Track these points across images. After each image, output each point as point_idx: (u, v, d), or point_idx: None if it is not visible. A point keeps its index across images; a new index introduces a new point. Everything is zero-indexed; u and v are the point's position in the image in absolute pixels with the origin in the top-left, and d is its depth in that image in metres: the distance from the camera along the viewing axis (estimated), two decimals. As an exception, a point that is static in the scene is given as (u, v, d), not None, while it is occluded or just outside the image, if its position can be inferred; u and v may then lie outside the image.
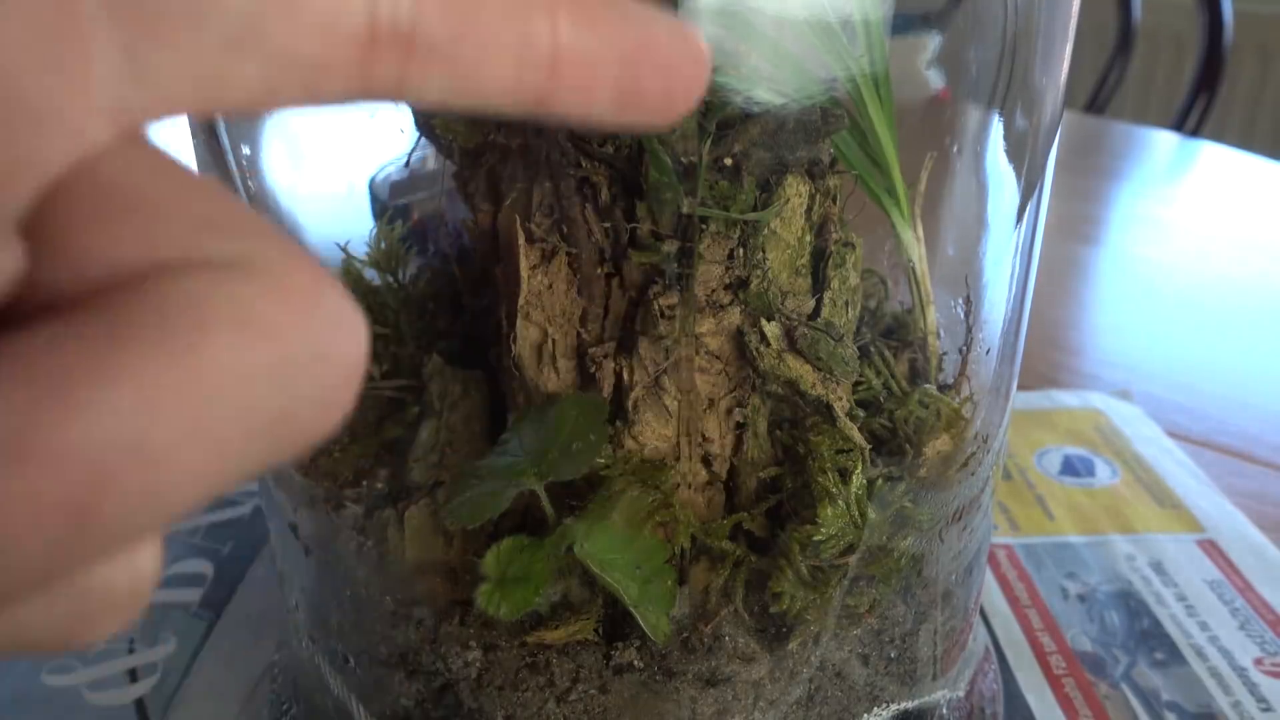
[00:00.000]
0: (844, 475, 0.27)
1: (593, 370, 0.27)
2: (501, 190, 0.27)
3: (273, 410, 0.11)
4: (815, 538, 0.27)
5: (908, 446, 0.29)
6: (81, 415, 0.10)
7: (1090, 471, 0.56)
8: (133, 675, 0.40)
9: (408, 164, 0.33)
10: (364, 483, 0.31)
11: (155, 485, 0.11)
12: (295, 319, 0.11)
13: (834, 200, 0.28)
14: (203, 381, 0.11)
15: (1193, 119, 1.36)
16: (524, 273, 0.27)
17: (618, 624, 0.28)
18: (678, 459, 0.28)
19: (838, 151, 0.28)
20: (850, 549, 0.27)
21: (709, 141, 0.25)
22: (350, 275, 0.33)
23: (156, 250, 0.11)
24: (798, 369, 0.27)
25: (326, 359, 0.12)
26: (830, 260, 0.28)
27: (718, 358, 0.27)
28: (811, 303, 0.28)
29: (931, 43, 0.29)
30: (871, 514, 0.27)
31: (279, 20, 0.12)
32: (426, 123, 0.28)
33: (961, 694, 0.34)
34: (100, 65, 0.11)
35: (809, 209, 0.27)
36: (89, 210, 0.11)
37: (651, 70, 0.14)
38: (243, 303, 0.11)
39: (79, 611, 0.12)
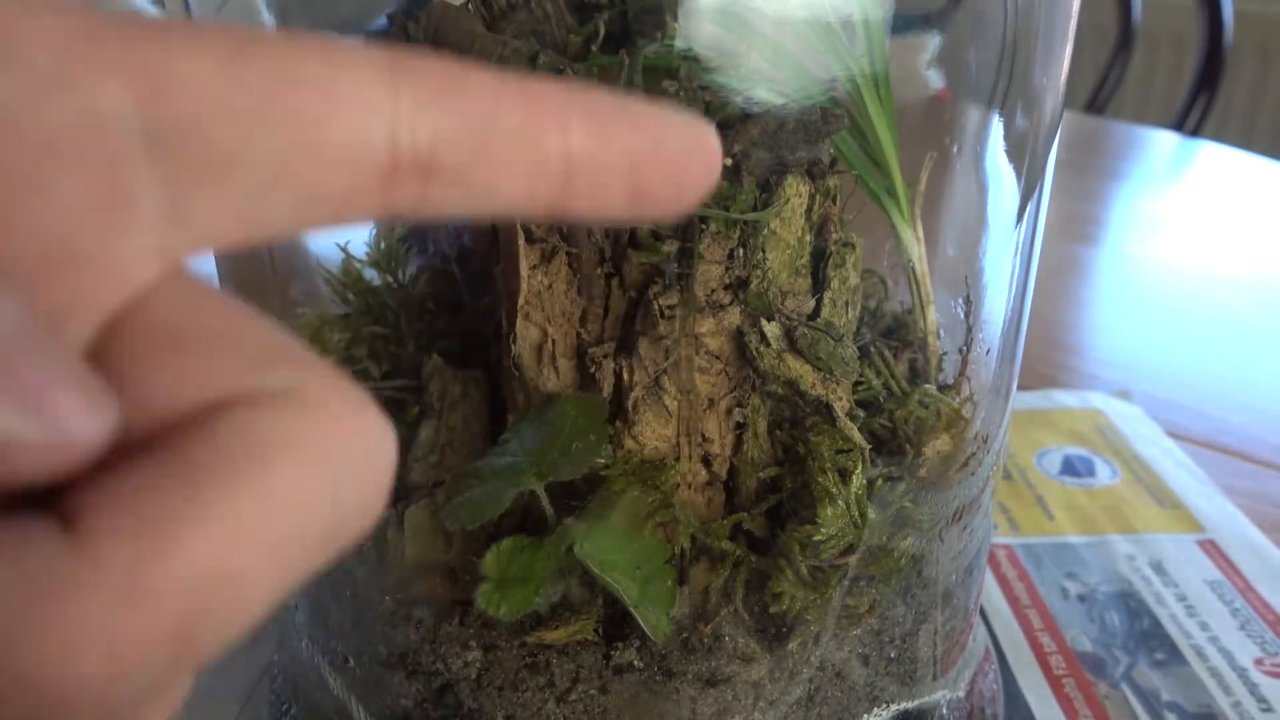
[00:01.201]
0: (844, 475, 0.27)
1: (593, 370, 0.27)
2: (501, 190, 0.27)
3: (327, 523, 0.12)
4: (815, 538, 0.26)
5: (908, 446, 0.29)
6: (181, 554, 0.11)
7: (1090, 472, 0.56)
8: (133, 675, 0.40)
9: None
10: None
11: (240, 607, 0.12)
12: (343, 443, 0.12)
13: (834, 200, 0.28)
14: (274, 509, 0.12)
15: (1193, 119, 1.36)
16: (524, 273, 0.27)
17: (618, 624, 0.28)
18: (678, 459, 0.28)
19: (838, 151, 0.28)
20: (850, 549, 0.27)
21: (709, 141, 0.25)
22: (350, 275, 0.33)
23: (215, 385, 0.12)
24: (798, 369, 0.27)
25: (368, 472, 0.13)
26: (830, 260, 0.28)
27: (718, 358, 0.27)
28: (811, 303, 0.28)
29: (931, 43, 0.29)
30: (871, 514, 0.27)
31: (307, 161, 0.13)
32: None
33: (961, 694, 0.34)
34: (145, 211, 0.12)
35: (809, 209, 0.27)
36: (149, 350, 0.12)
37: (662, 172, 0.15)
38: (298, 434, 0.12)
39: None
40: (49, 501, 0.11)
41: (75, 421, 0.11)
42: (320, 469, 0.12)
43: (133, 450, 0.12)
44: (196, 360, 0.12)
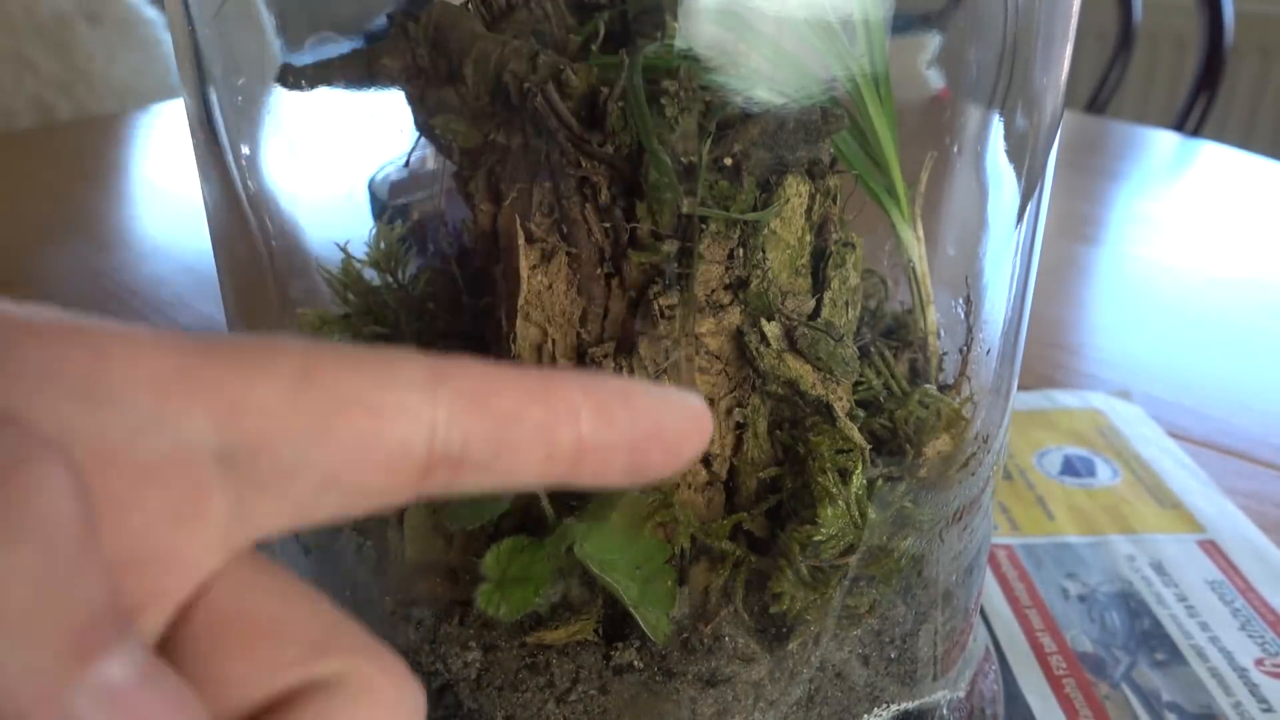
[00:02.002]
0: (844, 475, 0.27)
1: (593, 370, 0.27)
2: (501, 190, 0.27)
3: None
4: (815, 538, 0.26)
5: (908, 447, 0.29)
6: None
7: (1090, 472, 0.56)
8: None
9: (408, 164, 0.33)
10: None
11: None
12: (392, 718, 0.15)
13: (834, 200, 0.28)
14: None
15: (1193, 119, 1.36)
16: (524, 273, 0.27)
17: (618, 624, 0.28)
18: (678, 459, 0.28)
19: (838, 151, 0.28)
20: (850, 549, 0.27)
21: (709, 141, 0.25)
22: (350, 275, 0.33)
23: (282, 676, 0.14)
24: (798, 369, 0.27)
25: None
26: (830, 260, 0.28)
27: (718, 358, 0.27)
28: (811, 303, 0.28)
29: (931, 43, 0.29)
30: (871, 514, 0.27)
31: (356, 471, 0.15)
32: (426, 123, 0.28)
33: (962, 694, 0.34)
34: (216, 516, 0.14)
35: (809, 209, 0.27)
36: (219, 642, 0.14)
37: (659, 449, 0.18)
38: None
39: None
40: None
41: None
42: None
43: None
44: (263, 649, 0.14)
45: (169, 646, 0.14)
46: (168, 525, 0.13)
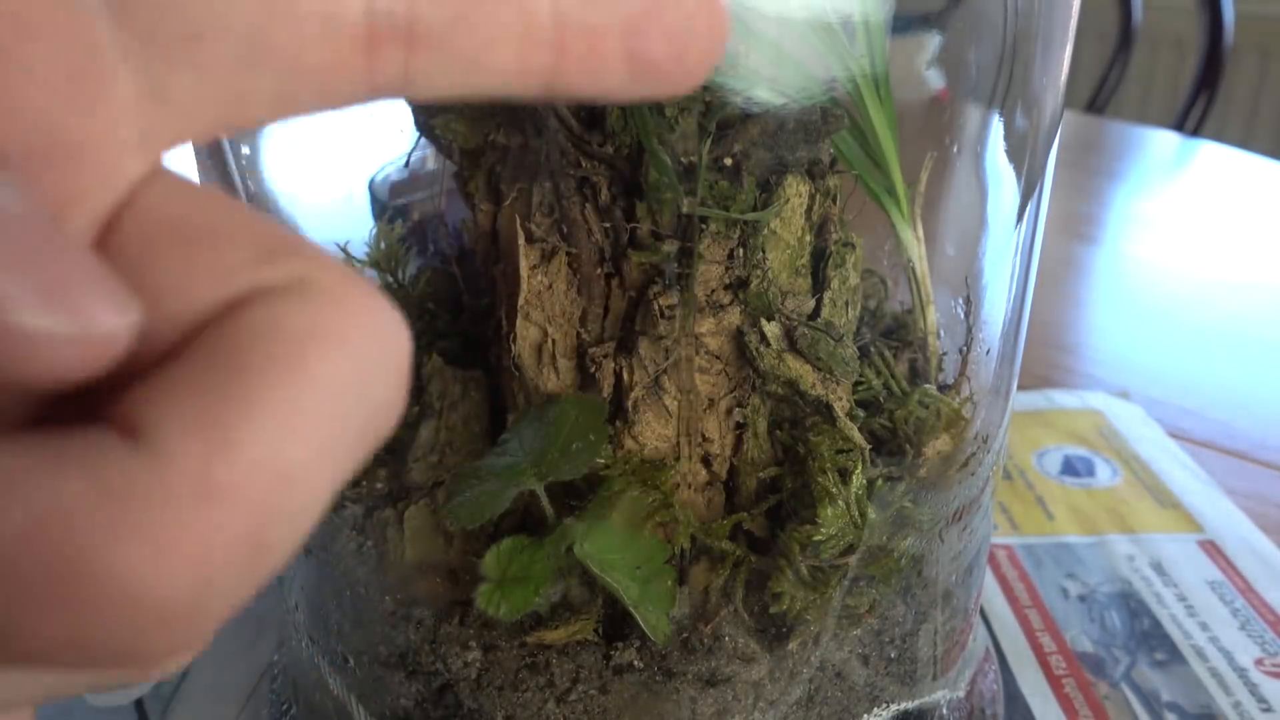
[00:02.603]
0: (844, 475, 0.27)
1: (593, 370, 0.27)
2: (501, 190, 0.27)
3: (361, 415, 0.12)
4: (815, 538, 0.26)
5: (908, 446, 0.29)
6: (247, 448, 0.11)
7: (1090, 472, 0.56)
8: (132, 675, 0.40)
9: (408, 164, 0.33)
10: (364, 483, 0.31)
11: (302, 504, 0.11)
12: (362, 330, 0.12)
13: (834, 200, 0.28)
14: (318, 399, 0.11)
15: (1193, 119, 1.36)
16: (524, 273, 0.27)
17: (618, 624, 0.28)
18: (678, 459, 0.28)
19: (838, 151, 0.28)
20: (850, 549, 0.27)
21: (709, 141, 0.25)
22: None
23: (229, 280, 0.12)
24: (798, 369, 0.27)
25: (390, 360, 0.12)
26: (830, 260, 0.28)
27: (718, 358, 0.27)
28: (811, 303, 0.28)
29: (931, 43, 0.29)
30: (871, 514, 0.27)
31: (283, 30, 0.12)
32: (426, 123, 0.28)
33: (961, 694, 0.34)
34: (123, 91, 0.12)
35: (809, 209, 0.27)
36: (152, 249, 0.12)
37: (662, 36, 0.14)
38: (324, 323, 0.12)
39: None
40: (94, 414, 0.11)
41: (104, 315, 0.11)
42: (349, 357, 0.12)
43: (163, 354, 0.11)
44: (204, 255, 0.12)
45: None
46: (66, 104, 0.11)
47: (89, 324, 0.10)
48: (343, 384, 0.12)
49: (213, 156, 0.30)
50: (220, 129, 0.13)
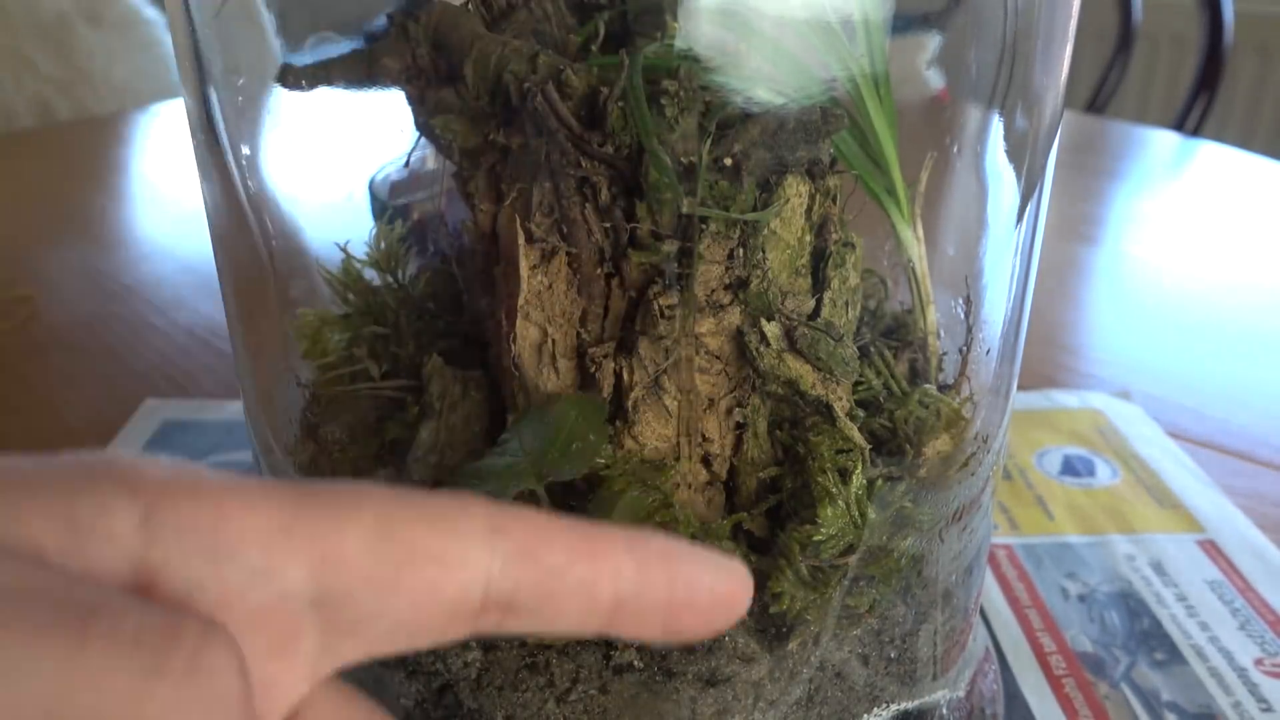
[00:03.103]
0: (844, 475, 0.27)
1: (593, 370, 0.27)
2: (501, 190, 0.27)
3: None
4: (815, 538, 0.26)
5: (908, 446, 0.29)
6: None
7: (1090, 472, 0.56)
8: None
9: (408, 164, 0.33)
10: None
11: None
12: None
13: (834, 200, 0.28)
14: None
15: (1193, 119, 1.37)
16: (524, 273, 0.27)
17: (618, 624, 0.28)
18: (678, 459, 0.28)
19: (838, 151, 0.28)
20: (850, 549, 0.27)
21: (709, 141, 0.25)
22: (350, 275, 0.33)
23: None
24: (798, 369, 0.27)
25: None
26: (830, 260, 0.28)
27: (718, 358, 0.27)
28: (811, 303, 0.28)
29: (931, 43, 0.29)
30: (871, 514, 0.27)
31: (423, 613, 0.17)
32: (426, 123, 0.28)
33: (961, 694, 0.34)
34: (306, 651, 0.16)
35: (809, 209, 0.27)
36: None
37: (694, 613, 0.19)
38: None
39: None
40: None
41: None
42: None
43: None
44: None
45: None
46: (268, 660, 0.16)
47: None
48: None
49: (213, 156, 0.30)
50: (360, 663, 0.17)
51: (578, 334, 0.28)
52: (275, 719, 0.16)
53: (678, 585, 0.19)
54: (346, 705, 0.18)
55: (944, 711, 0.33)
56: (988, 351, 0.31)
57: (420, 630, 0.17)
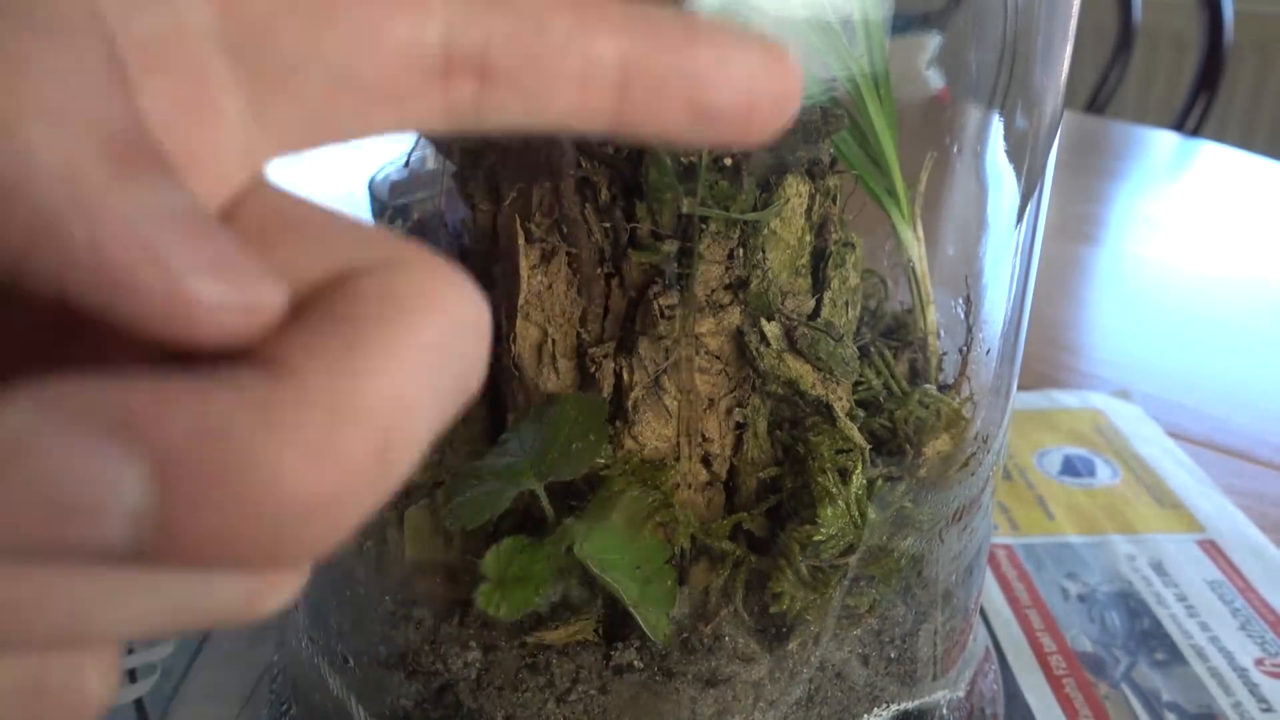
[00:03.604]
0: (844, 475, 0.27)
1: (593, 370, 0.27)
2: (501, 190, 0.27)
3: (456, 368, 0.14)
4: (815, 538, 0.26)
5: (908, 446, 0.29)
6: (376, 381, 0.12)
7: (1090, 472, 0.56)
8: (132, 676, 0.40)
9: (408, 164, 0.33)
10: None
11: (415, 436, 0.13)
12: (454, 298, 0.13)
13: (834, 200, 0.28)
14: (426, 350, 0.13)
15: (1193, 119, 1.37)
16: (524, 273, 0.27)
17: (618, 624, 0.28)
18: (678, 459, 0.28)
19: (838, 151, 0.28)
20: (850, 549, 0.27)
21: (709, 141, 0.25)
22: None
23: (333, 258, 0.13)
24: (798, 369, 0.27)
25: (477, 327, 0.14)
26: (830, 260, 0.28)
27: (718, 358, 0.27)
28: (811, 303, 0.28)
29: (931, 43, 0.29)
30: (871, 514, 0.27)
31: (368, 61, 0.14)
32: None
33: (962, 694, 0.34)
34: (230, 114, 0.14)
35: (809, 209, 0.27)
36: (265, 238, 0.14)
37: (728, 89, 0.15)
38: (424, 290, 0.13)
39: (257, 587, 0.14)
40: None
41: (267, 289, 0.12)
42: (446, 316, 0.13)
43: (290, 316, 0.13)
44: (308, 239, 0.14)
45: None
46: (181, 121, 0.13)
47: (256, 296, 0.12)
48: (442, 339, 0.13)
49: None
50: (309, 145, 0.15)
51: (578, 334, 0.28)
52: (210, 202, 0.14)
53: (702, 49, 0.15)
54: (293, 198, 0.15)
55: (944, 712, 0.33)
56: (988, 351, 0.31)
57: (372, 91, 0.14)
